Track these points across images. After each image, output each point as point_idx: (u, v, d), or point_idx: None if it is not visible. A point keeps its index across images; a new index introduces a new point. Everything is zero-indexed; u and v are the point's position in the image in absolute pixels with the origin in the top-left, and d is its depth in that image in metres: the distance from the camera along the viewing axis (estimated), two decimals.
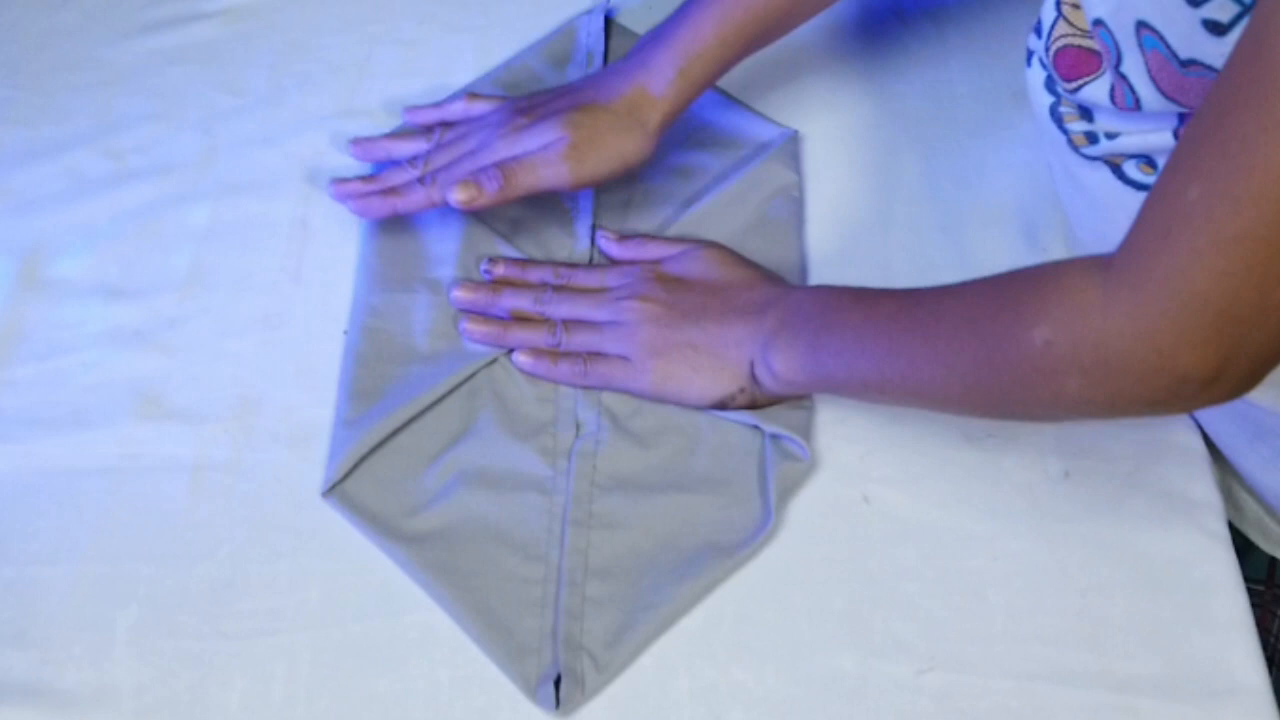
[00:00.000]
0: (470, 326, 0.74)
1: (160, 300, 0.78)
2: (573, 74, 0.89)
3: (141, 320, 0.77)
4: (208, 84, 0.91)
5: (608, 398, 0.73)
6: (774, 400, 0.70)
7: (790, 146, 0.84)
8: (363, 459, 0.70)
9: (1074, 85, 0.66)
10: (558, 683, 0.62)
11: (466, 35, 0.93)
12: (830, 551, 0.67)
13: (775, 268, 0.77)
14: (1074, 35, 0.65)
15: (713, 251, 0.75)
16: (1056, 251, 0.79)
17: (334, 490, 0.69)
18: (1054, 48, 0.66)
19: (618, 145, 0.76)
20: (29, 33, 0.95)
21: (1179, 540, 0.67)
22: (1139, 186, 0.66)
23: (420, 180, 0.77)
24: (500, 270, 0.76)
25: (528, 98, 0.80)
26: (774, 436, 0.70)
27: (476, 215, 0.80)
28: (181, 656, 0.64)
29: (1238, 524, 0.74)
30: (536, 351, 0.73)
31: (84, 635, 0.65)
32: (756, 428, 0.70)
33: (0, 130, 0.88)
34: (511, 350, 0.74)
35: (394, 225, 0.80)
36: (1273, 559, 0.75)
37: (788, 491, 0.68)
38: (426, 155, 0.79)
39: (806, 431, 0.70)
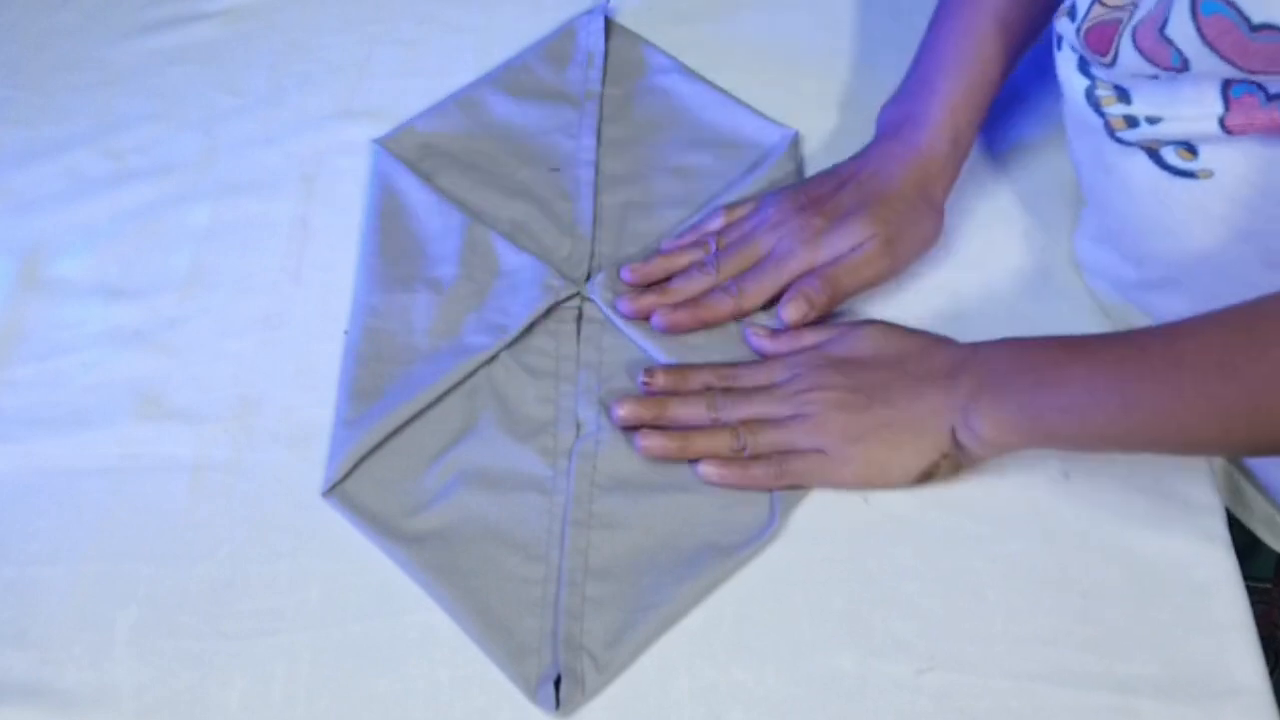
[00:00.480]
0: (647, 443, 0.69)
1: (160, 300, 0.78)
2: (573, 74, 0.89)
3: (141, 320, 0.77)
4: (208, 84, 0.91)
5: (608, 397, 0.73)
6: (979, 461, 0.68)
7: (793, 151, 0.84)
8: (363, 459, 0.70)
9: (1109, 58, 0.64)
10: (558, 683, 0.62)
11: (466, 35, 0.93)
12: (830, 551, 0.67)
13: None
14: (1105, 12, 0.64)
15: (873, 326, 0.72)
16: (1056, 251, 0.79)
17: (334, 490, 0.69)
18: (1084, 28, 0.65)
19: (921, 231, 0.76)
20: (29, 33, 0.95)
21: (1179, 542, 0.67)
22: (1177, 172, 0.65)
23: (721, 288, 0.75)
24: (660, 381, 0.71)
25: (798, 192, 0.78)
26: None
27: (477, 216, 0.80)
28: (181, 656, 0.64)
29: (1245, 521, 0.74)
30: (723, 459, 0.69)
31: (84, 635, 0.65)
32: None
33: (0, 130, 0.88)
34: (513, 344, 0.74)
35: (394, 225, 0.80)
36: None
37: (794, 501, 0.68)
38: (713, 261, 0.76)
39: None
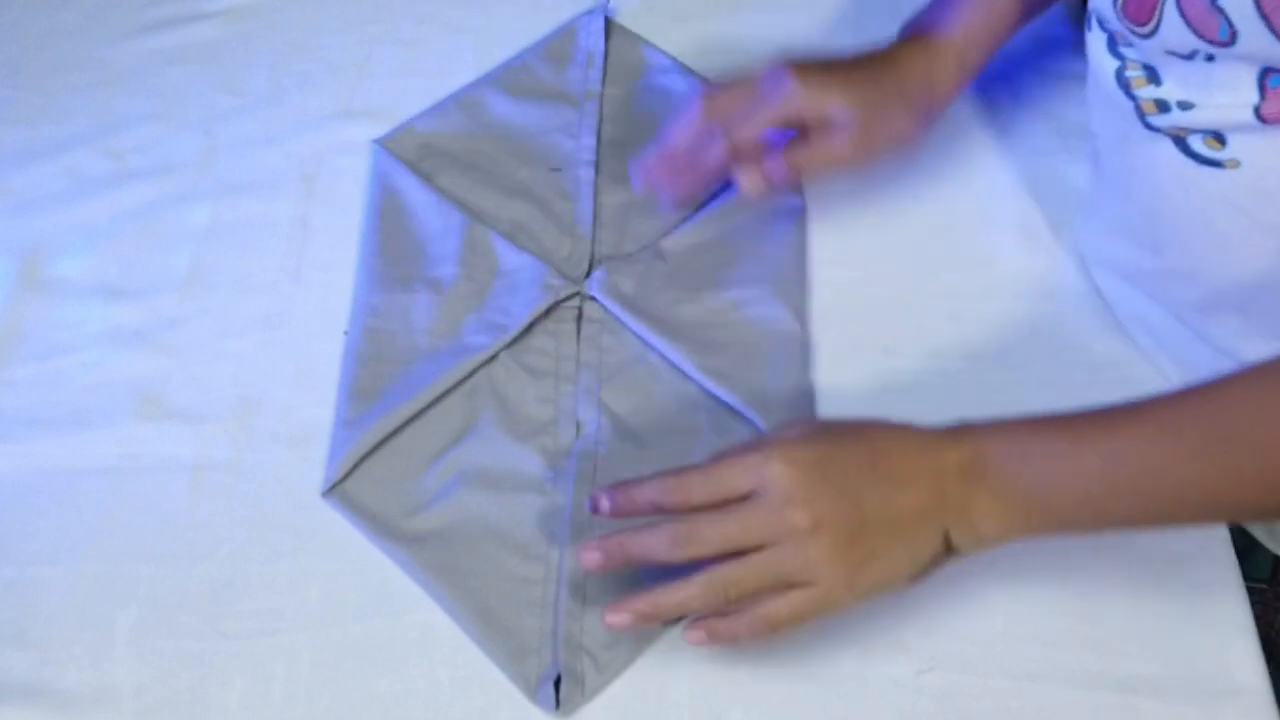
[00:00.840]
0: (613, 619, 0.60)
1: (160, 300, 0.78)
2: (573, 74, 0.89)
3: (141, 320, 0.77)
4: (208, 84, 0.91)
5: (608, 398, 0.73)
6: (974, 553, 0.61)
7: None
8: (363, 459, 0.70)
9: (1147, 30, 0.62)
10: (558, 683, 0.62)
11: (466, 35, 0.93)
12: None
13: (776, 269, 0.77)
14: None
15: (823, 424, 0.63)
16: (1056, 251, 0.79)
17: (334, 490, 0.69)
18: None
19: (899, 127, 0.77)
20: (29, 33, 0.95)
21: (1179, 541, 0.67)
22: (1203, 161, 0.65)
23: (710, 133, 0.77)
24: (605, 505, 0.62)
25: (810, 58, 0.77)
26: None
27: (477, 215, 0.81)
28: (181, 656, 0.64)
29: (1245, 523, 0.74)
30: (709, 626, 0.60)
31: (84, 635, 0.65)
32: (759, 430, 0.70)
33: (0, 130, 0.88)
34: (513, 344, 0.74)
35: (394, 225, 0.80)
36: (1277, 558, 0.75)
37: None
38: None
39: None
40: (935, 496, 0.59)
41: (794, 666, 0.63)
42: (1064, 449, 0.58)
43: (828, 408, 0.72)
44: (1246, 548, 0.69)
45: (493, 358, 0.74)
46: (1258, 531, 0.74)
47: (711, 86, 0.79)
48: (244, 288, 0.79)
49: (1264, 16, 0.57)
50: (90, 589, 0.66)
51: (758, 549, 0.59)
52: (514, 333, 0.74)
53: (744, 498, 0.59)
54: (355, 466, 0.70)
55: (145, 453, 0.71)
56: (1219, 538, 0.67)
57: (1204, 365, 0.72)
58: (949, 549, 0.60)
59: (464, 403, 0.72)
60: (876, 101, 0.75)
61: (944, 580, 0.66)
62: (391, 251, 0.79)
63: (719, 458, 0.61)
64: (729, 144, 0.75)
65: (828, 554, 0.58)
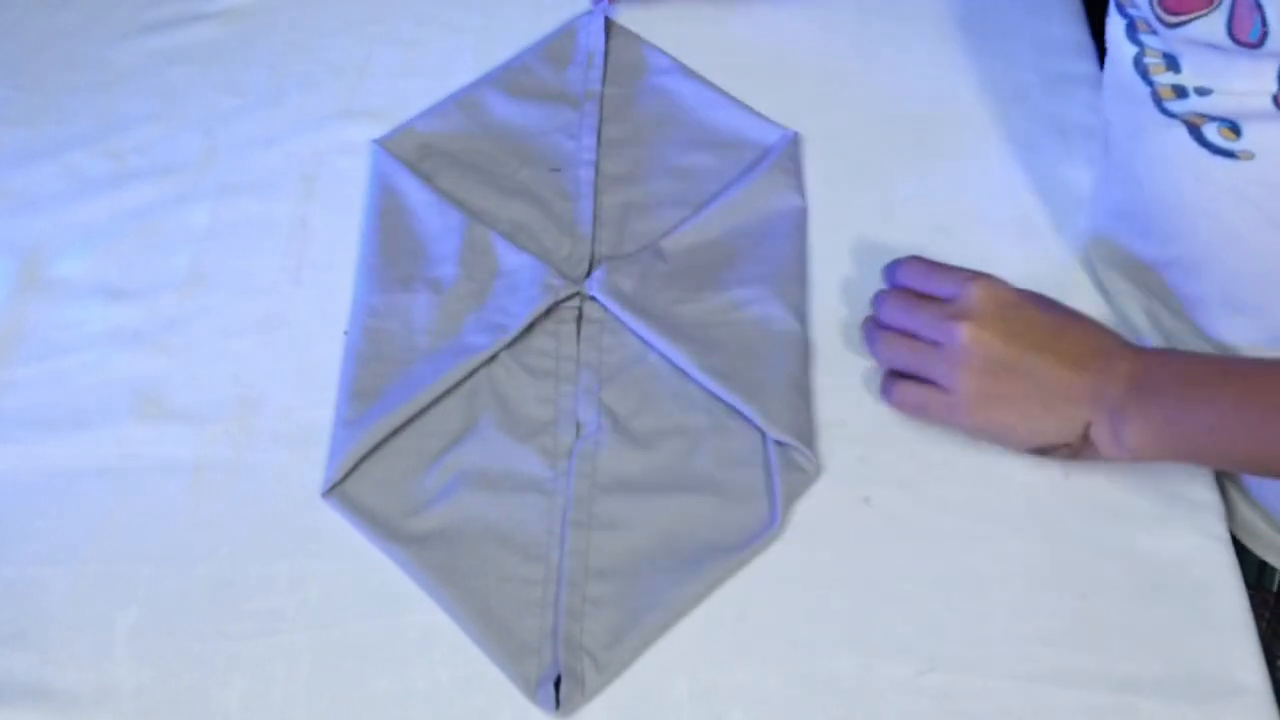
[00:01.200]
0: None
1: (160, 300, 0.78)
2: (573, 74, 0.89)
3: (142, 320, 0.77)
4: (208, 84, 0.91)
5: (608, 398, 0.73)
6: (1104, 459, 0.67)
7: (792, 150, 0.84)
8: (363, 459, 0.70)
9: (1179, 20, 0.63)
10: (558, 683, 0.62)
11: (466, 35, 0.93)
12: (831, 552, 0.67)
13: (776, 269, 0.77)
14: None
15: (1041, 296, 0.69)
16: (1056, 251, 0.79)
17: (334, 490, 0.69)
18: None
19: None
20: (29, 33, 0.95)
21: (1179, 541, 0.67)
22: (1217, 151, 0.65)
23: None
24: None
25: None
26: (778, 443, 0.70)
27: (477, 216, 0.80)
28: (182, 657, 0.64)
29: (1230, 527, 0.73)
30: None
31: (84, 635, 0.65)
32: (759, 430, 0.70)
33: (0, 130, 0.88)
34: (513, 344, 0.74)
35: (394, 225, 0.80)
36: (1262, 562, 0.75)
37: (793, 496, 0.68)
38: None
39: (810, 438, 0.70)
40: (1092, 390, 0.64)
41: (794, 667, 0.63)
42: (1210, 377, 0.63)
43: (828, 408, 0.72)
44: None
45: (493, 358, 0.74)
46: (1243, 536, 0.74)
47: None
48: (244, 288, 0.79)
49: None
50: (90, 589, 0.66)
51: (931, 343, 0.68)
52: (514, 333, 0.74)
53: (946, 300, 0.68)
54: (355, 467, 0.69)
55: (145, 453, 0.71)
56: (1219, 537, 0.67)
57: None
58: (1087, 442, 0.65)
59: (464, 403, 0.72)
60: None
61: (944, 581, 0.66)
62: (391, 251, 0.79)
63: (939, 265, 0.70)
64: None
65: (970, 373, 0.66)
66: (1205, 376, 0.64)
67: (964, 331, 0.66)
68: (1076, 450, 0.67)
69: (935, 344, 0.68)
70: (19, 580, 0.67)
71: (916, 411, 0.70)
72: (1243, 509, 0.73)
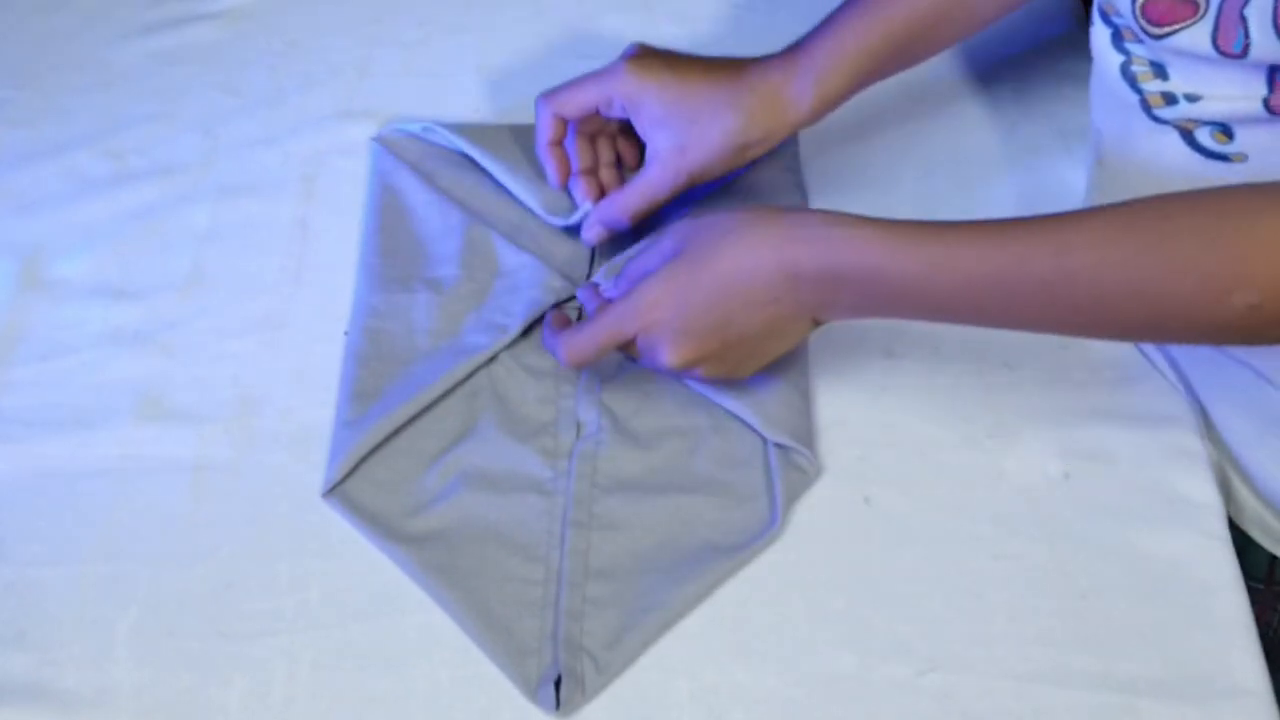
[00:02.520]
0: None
1: (161, 301, 0.78)
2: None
3: (142, 321, 0.77)
4: (208, 85, 0.91)
5: (608, 398, 0.73)
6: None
7: (792, 148, 0.84)
8: (363, 460, 0.70)
9: (1163, 31, 0.62)
10: (558, 684, 0.62)
11: (466, 36, 0.93)
12: (831, 552, 0.67)
13: None
14: None
15: (671, 268, 0.67)
16: None
17: (334, 491, 0.69)
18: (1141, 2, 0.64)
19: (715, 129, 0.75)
20: (30, 34, 0.95)
21: (1179, 541, 0.67)
22: (1209, 154, 0.65)
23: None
24: (561, 355, 0.71)
25: None
26: (778, 445, 0.70)
27: (477, 216, 0.80)
28: (182, 657, 0.64)
29: (1237, 520, 0.74)
30: None
31: (84, 636, 0.65)
32: (758, 430, 0.70)
33: (1, 131, 0.88)
34: (514, 344, 0.74)
35: (394, 225, 0.80)
36: (1273, 556, 0.75)
37: (793, 497, 0.68)
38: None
39: (810, 439, 0.70)
40: (797, 305, 0.65)
41: (794, 667, 0.63)
42: (919, 273, 0.62)
43: (828, 408, 0.72)
44: (1242, 547, 0.69)
45: (493, 358, 0.74)
46: (1252, 530, 0.74)
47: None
48: (244, 288, 0.79)
49: (1276, 28, 0.57)
50: (90, 590, 0.66)
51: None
52: (514, 333, 0.74)
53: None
54: (356, 467, 0.69)
55: (145, 453, 0.71)
56: (1219, 537, 0.67)
57: (1201, 368, 0.72)
58: (817, 324, 0.67)
59: (464, 403, 0.72)
60: (701, 103, 0.74)
61: (944, 581, 0.66)
62: (391, 251, 0.79)
63: (595, 320, 0.69)
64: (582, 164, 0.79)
65: (707, 369, 0.67)
66: (902, 269, 0.63)
67: (670, 360, 0.67)
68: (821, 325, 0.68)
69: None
70: (19, 580, 0.67)
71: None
72: (1251, 503, 0.73)
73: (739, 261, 0.65)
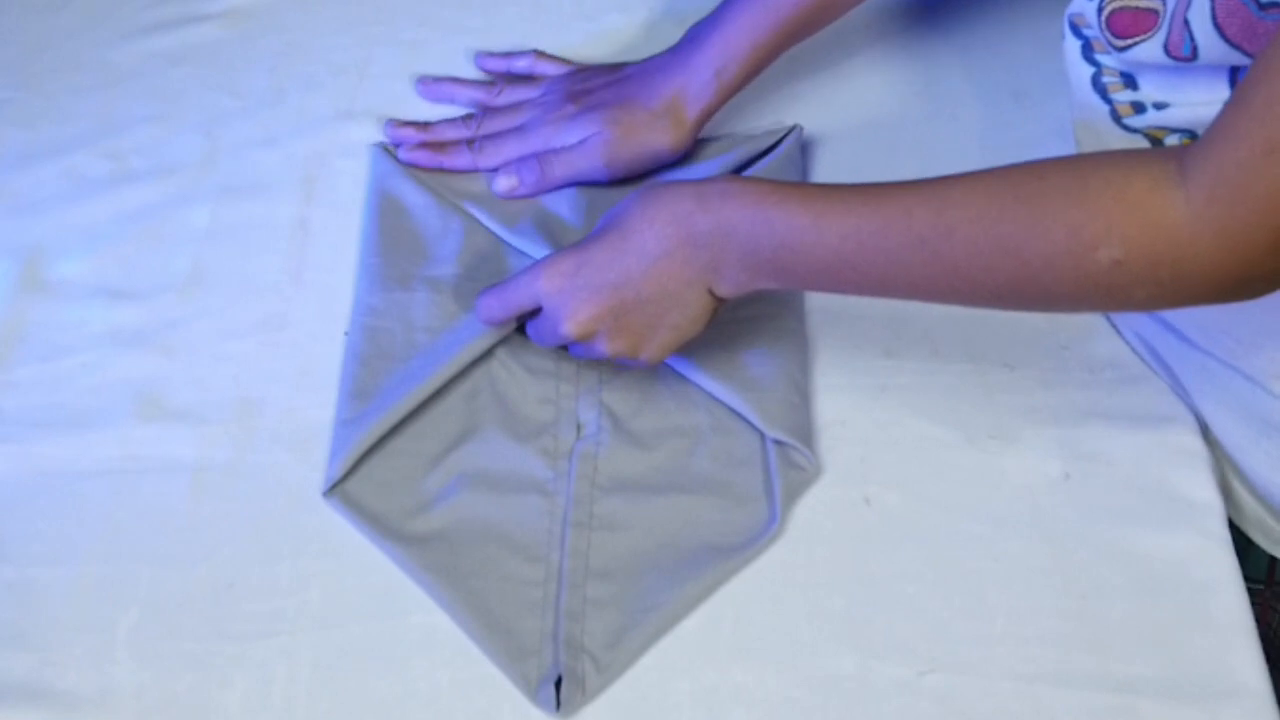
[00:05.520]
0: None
1: (161, 301, 0.78)
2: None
3: (142, 321, 0.77)
4: (208, 85, 0.91)
5: (608, 398, 0.73)
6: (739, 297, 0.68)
7: (796, 142, 0.84)
8: (364, 459, 0.70)
9: (1126, 43, 0.64)
10: (558, 684, 0.62)
11: (466, 37, 0.93)
12: (831, 553, 0.67)
13: None
14: None
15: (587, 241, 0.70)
16: None
17: (335, 491, 0.69)
18: (1107, 10, 0.65)
19: (652, 142, 0.81)
20: (30, 34, 0.95)
21: (1179, 542, 0.67)
22: None
23: (470, 143, 0.83)
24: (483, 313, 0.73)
25: (582, 78, 0.85)
26: (777, 443, 0.70)
27: (477, 216, 0.81)
28: (182, 658, 0.64)
29: (1237, 522, 0.74)
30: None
31: (85, 637, 0.65)
32: (760, 431, 0.70)
33: (1, 131, 0.88)
34: (510, 341, 0.74)
35: (394, 225, 0.80)
36: (1272, 558, 0.75)
37: (793, 497, 0.68)
38: (479, 117, 0.85)
39: (809, 437, 0.70)
40: (688, 262, 0.66)
41: (794, 668, 0.63)
42: (806, 224, 0.63)
43: (828, 408, 0.72)
44: (1241, 547, 0.69)
45: (492, 357, 0.74)
46: (1252, 531, 0.74)
47: (522, 60, 0.89)
48: (245, 289, 0.79)
49: (1218, 26, 0.58)
50: (91, 590, 0.66)
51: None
52: (513, 328, 0.74)
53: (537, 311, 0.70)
54: (356, 467, 0.69)
55: (146, 454, 0.71)
56: (1219, 537, 0.67)
57: (1194, 374, 0.72)
58: (720, 301, 0.67)
59: (465, 404, 0.72)
60: (627, 123, 0.80)
61: (944, 581, 0.66)
62: (391, 251, 0.79)
63: (508, 280, 0.71)
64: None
65: (611, 342, 0.68)
66: (792, 222, 0.63)
67: (567, 328, 0.68)
68: (721, 304, 0.68)
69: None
70: (19, 581, 0.67)
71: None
72: (1251, 505, 0.73)
73: (640, 224, 0.67)
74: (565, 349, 0.73)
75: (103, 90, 0.91)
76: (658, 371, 0.74)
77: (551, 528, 0.68)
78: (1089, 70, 0.68)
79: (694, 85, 0.80)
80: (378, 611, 0.65)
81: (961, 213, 0.60)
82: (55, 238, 0.82)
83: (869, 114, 0.85)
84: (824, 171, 0.84)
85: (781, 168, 0.82)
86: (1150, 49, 0.63)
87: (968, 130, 0.86)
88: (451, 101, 0.88)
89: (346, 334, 0.76)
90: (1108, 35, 0.65)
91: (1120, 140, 0.68)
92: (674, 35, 0.92)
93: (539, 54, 0.89)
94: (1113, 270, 0.56)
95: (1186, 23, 0.60)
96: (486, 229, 0.80)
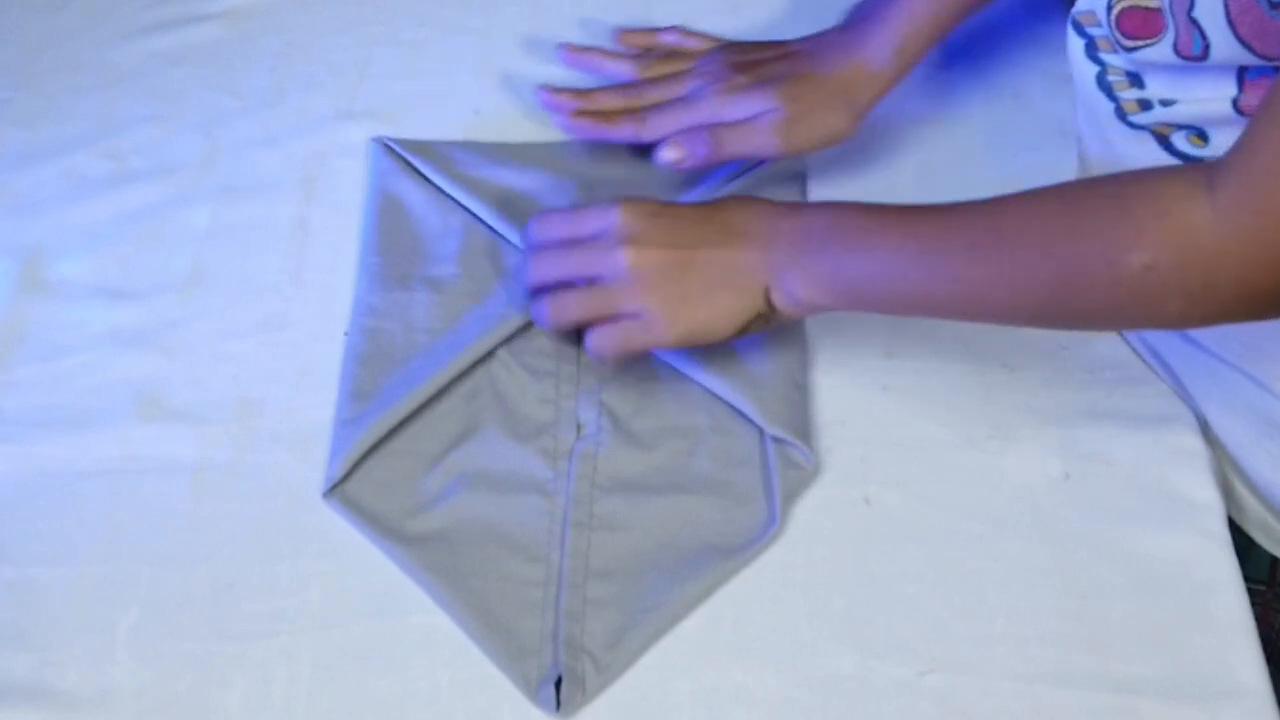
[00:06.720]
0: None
1: (161, 301, 0.78)
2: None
3: (142, 321, 0.77)
4: (208, 85, 0.91)
5: (608, 398, 0.73)
6: (791, 319, 0.69)
7: None
8: (364, 459, 0.70)
9: (1135, 44, 0.64)
10: (558, 684, 0.62)
11: (467, 37, 0.93)
12: (831, 553, 0.67)
13: None
14: None
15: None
16: None
17: (335, 491, 0.69)
18: (1116, 9, 0.65)
19: (828, 122, 0.78)
20: (30, 34, 0.95)
21: (1179, 542, 0.67)
22: (1186, 158, 0.65)
23: (633, 113, 0.79)
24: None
25: (743, 50, 0.82)
26: (776, 440, 0.70)
27: (476, 216, 0.80)
28: (182, 658, 0.64)
29: (1240, 522, 0.74)
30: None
31: (85, 637, 0.65)
32: (760, 430, 0.70)
33: (1, 131, 0.88)
34: (510, 341, 0.74)
35: (394, 224, 0.80)
36: (1274, 558, 0.75)
37: (792, 496, 0.68)
38: (638, 86, 0.81)
39: (808, 435, 0.70)
40: (762, 256, 0.66)
41: (794, 668, 0.63)
42: (871, 225, 0.65)
43: (828, 408, 0.72)
44: (1243, 548, 0.69)
45: (493, 357, 0.74)
46: (1255, 532, 0.74)
47: (669, 36, 0.85)
48: (245, 289, 0.79)
49: (1231, 23, 0.58)
50: (91, 590, 0.66)
51: (592, 281, 0.68)
52: (516, 322, 0.74)
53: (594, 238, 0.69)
54: (356, 467, 0.69)
55: (146, 454, 0.71)
56: (1219, 537, 0.67)
57: (1198, 375, 0.72)
58: (772, 310, 0.67)
59: (464, 404, 0.72)
60: (807, 101, 0.77)
61: (945, 581, 0.66)
62: (391, 250, 0.79)
63: (573, 211, 0.71)
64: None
65: (650, 290, 0.67)
66: (862, 225, 0.65)
67: (626, 255, 0.67)
68: (767, 318, 0.68)
69: (598, 281, 0.68)
70: (19, 581, 0.67)
71: (622, 350, 0.69)
72: (1253, 505, 0.74)
73: (733, 204, 0.69)
74: (578, 336, 0.72)
75: (103, 90, 0.91)
76: (657, 371, 0.74)
77: (551, 528, 0.68)
78: (1093, 69, 0.68)
79: (874, 63, 0.77)
80: (378, 611, 0.65)
81: (1011, 220, 0.61)
82: (55, 238, 0.82)
83: (869, 115, 0.85)
84: (824, 172, 0.84)
85: (778, 171, 0.82)
86: (1160, 51, 0.63)
87: (968, 130, 0.86)
88: (599, 73, 0.84)
89: (346, 334, 0.76)
90: (1117, 35, 0.65)
91: (1125, 137, 0.68)
92: None
93: (685, 32, 0.85)
94: (1144, 276, 0.57)
95: (1195, 22, 0.60)
96: (487, 228, 0.80)
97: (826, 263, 0.66)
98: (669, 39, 0.85)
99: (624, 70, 0.84)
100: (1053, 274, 0.60)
